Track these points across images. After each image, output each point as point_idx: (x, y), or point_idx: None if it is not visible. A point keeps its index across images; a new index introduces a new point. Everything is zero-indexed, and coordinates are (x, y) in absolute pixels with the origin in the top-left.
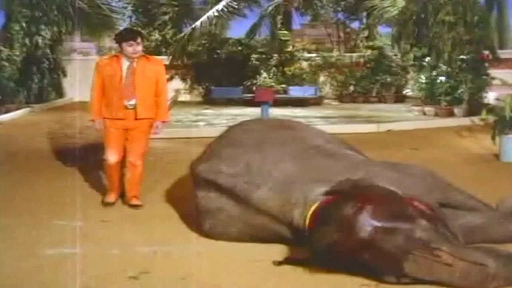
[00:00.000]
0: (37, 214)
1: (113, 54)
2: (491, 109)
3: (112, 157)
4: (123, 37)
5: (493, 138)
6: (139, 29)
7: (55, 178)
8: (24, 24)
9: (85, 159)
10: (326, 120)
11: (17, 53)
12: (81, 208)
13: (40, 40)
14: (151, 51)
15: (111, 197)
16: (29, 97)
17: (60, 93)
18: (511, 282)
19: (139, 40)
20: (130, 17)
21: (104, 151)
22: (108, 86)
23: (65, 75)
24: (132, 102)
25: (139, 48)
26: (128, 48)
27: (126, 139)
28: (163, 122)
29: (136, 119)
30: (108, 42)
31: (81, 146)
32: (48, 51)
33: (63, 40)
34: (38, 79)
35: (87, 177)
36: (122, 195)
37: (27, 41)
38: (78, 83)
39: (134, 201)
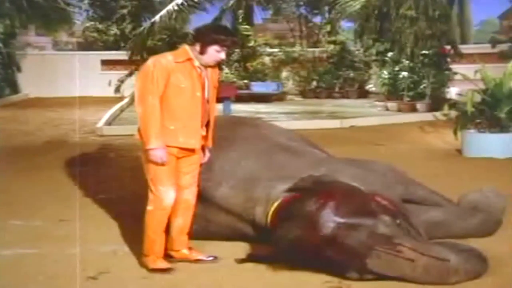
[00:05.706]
0: None
1: (183, 53)
2: (453, 104)
3: (170, 194)
4: (219, 37)
5: (455, 133)
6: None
7: (12, 177)
8: None
9: (42, 156)
10: (289, 116)
11: None
12: (40, 207)
13: None
14: (110, 46)
15: (165, 262)
16: None
17: (14, 89)
18: (472, 276)
19: None
20: (87, 10)
21: (152, 193)
22: (180, 101)
23: (19, 70)
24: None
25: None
26: (216, 54)
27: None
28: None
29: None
30: (65, 36)
31: (38, 143)
32: (0, 45)
33: (17, 34)
34: None
35: (44, 175)
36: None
37: None
38: (34, 78)
39: (201, 255)
